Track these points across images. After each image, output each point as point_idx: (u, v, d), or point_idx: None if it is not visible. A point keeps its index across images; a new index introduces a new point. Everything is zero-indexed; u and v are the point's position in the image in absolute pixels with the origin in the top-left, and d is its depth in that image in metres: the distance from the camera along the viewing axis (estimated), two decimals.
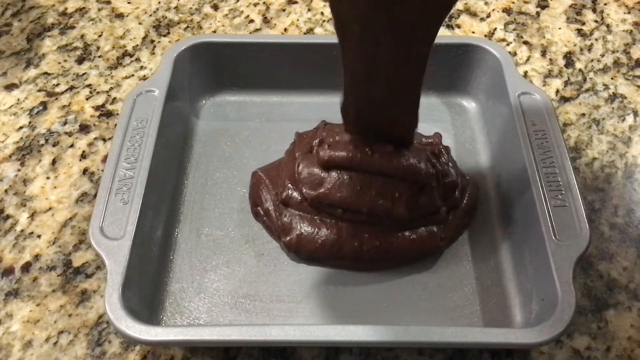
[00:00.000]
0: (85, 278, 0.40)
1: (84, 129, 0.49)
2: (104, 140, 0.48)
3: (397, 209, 0.39)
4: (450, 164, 0.43)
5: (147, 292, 0.38)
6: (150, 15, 0.59)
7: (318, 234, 0.40)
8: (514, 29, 0.58)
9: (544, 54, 0.55)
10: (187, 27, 0.57)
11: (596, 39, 0.57)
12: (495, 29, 0.57)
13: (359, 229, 0.40)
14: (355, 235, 0.40)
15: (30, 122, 0.49)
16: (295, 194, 0.41)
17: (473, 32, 0.57)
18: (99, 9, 0.59)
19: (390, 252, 0.40)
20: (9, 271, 0.40)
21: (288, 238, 0.40)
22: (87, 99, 0.51)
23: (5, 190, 0.45)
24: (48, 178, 0.46)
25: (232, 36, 0.49)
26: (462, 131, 0.49)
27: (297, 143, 0.43)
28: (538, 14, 0.59)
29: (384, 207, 0.39)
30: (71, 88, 0.52)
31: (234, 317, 0.38)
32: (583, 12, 0.60)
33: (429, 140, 0.44)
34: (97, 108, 0.51)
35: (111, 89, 0.52)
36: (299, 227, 0.40)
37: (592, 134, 0.49)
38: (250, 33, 0.57)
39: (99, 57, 0.55)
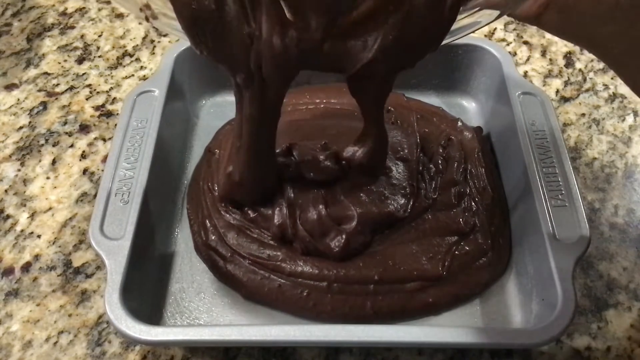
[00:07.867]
0: (85, 278, 0.40)
1: (84, 129, 0.49)
2: (104, 140, 0.48)
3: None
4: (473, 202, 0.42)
5: (147, 291, 0.38)
6: None
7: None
8: (514, 29, 0.58)
9: (544, 54, 0.55)
10: None
11: None
12: (495, 29, 0.57)
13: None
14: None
15: (30, 122, 0.49)
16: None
17: (473, 32, 0.57)
18: (99, 9, 0.59)
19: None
20: (9, 271, 0.40)
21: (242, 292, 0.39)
22: (87, 99, 0.51)
23: (5, 190, 0.45)
24: (48, 178, 0.46)
25: None
26: None
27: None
28: None
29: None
30: (71, 88, 0.52)
31: (234, 317, 0.38)
32: None
33: (467, 135, 0.45)
34: (97, 108, 0.50)
35: (111, 89, 0.52)
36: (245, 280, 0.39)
37: (592, 134, 0.49)
38: None
39: (99, 57, 0.55)
